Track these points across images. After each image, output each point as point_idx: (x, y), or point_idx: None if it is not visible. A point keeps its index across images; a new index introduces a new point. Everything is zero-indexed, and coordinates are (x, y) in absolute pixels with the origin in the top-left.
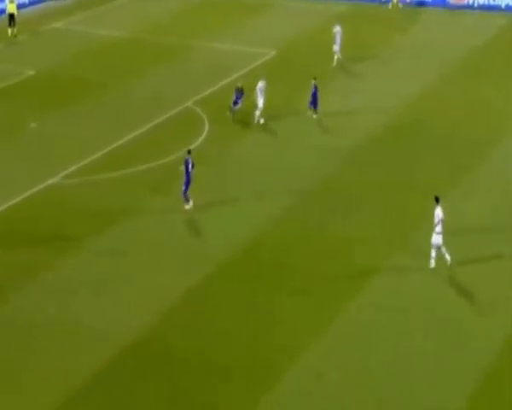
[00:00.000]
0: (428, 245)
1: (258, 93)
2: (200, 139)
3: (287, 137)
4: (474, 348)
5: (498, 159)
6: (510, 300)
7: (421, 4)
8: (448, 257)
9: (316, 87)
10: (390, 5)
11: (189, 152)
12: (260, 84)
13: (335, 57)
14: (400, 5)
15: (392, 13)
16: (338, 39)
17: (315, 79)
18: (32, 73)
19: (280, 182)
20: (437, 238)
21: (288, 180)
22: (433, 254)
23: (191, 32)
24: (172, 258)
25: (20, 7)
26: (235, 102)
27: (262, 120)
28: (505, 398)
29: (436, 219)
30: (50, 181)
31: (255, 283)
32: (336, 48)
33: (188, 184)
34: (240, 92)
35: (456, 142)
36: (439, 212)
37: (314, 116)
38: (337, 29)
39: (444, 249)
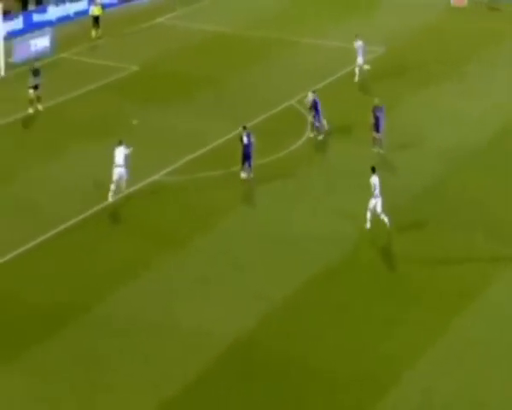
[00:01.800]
0: None
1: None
2: (302, 140)
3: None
4: None
5: None
6: None
7: None
8: None
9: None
10: None
11: (244, 128)
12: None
13: (357, 70)
14: None
15: None
16: (361, 52)
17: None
18: (135, 68)
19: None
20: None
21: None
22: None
23: (295, 27)
24: (275, 258)
25: (116, 4)
26: (316, 117)
27: (320, 137)
28: None
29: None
30: (152, 178)
31: (368, 289)
32: (360, 60)
33: (248, 156)
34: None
35: None
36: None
37: (374, 150)
38: (359, 43)
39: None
